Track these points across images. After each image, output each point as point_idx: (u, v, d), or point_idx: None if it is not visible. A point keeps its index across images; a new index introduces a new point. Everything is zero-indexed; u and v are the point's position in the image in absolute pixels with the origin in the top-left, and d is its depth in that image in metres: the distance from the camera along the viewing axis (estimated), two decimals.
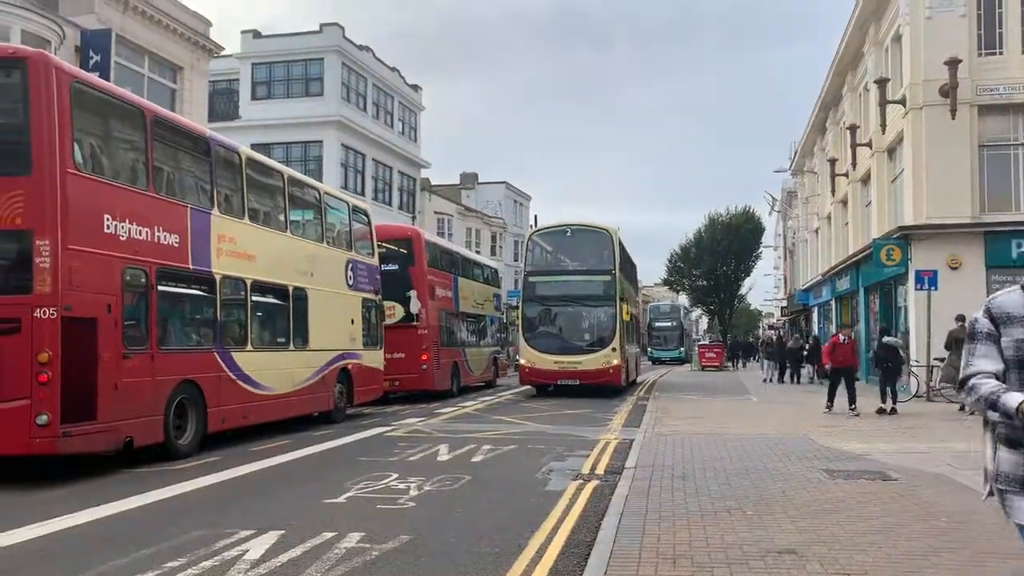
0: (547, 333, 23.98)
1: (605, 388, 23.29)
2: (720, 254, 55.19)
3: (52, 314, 9.28)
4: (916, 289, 20.38)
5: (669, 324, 61.03)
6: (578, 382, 22.92)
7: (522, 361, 23.92)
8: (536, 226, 30.32)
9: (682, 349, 59.68)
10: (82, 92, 10.21)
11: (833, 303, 35.13)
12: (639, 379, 32.10)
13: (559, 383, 23.26)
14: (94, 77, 11.93)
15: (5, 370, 9.21)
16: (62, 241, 9.41)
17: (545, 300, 24.17)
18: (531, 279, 24.54)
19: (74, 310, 9.50)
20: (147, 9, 24.26)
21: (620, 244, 24.92)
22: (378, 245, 19.94)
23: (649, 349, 61.13)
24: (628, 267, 28.40)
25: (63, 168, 9.53)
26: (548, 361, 23.24)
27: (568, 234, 25.13)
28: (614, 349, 23.19)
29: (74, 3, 22.78)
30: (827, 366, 18.48)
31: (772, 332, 54.95)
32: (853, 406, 16.82)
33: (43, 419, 9.14)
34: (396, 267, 21.99)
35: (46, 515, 7.68)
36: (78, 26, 21.78)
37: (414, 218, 42.69)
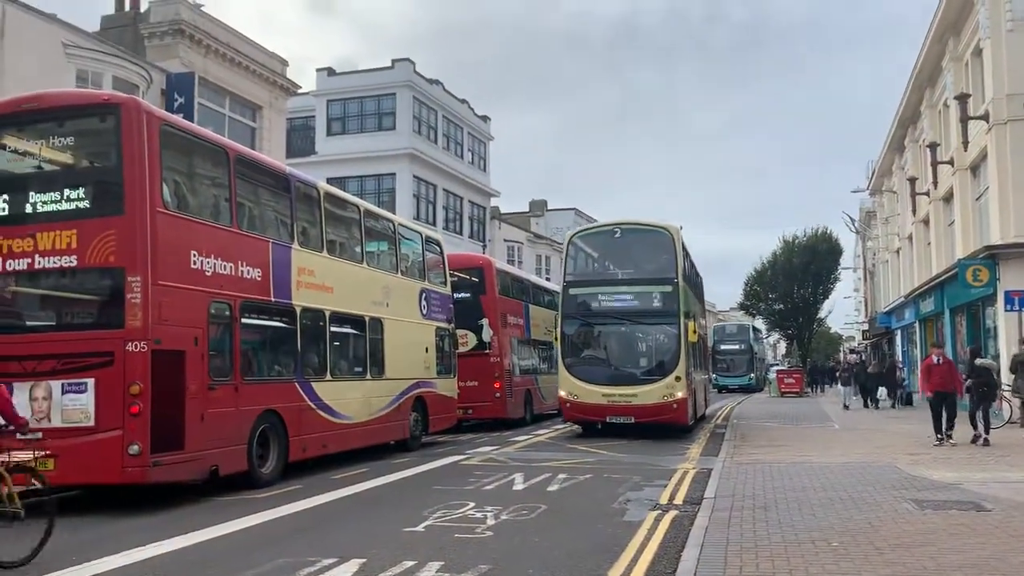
0: (592, 358, 19.78)
1: (667, 427, 18.90)
2: (797, 277, 53.97)
3: (143, 347, 9.67)
4: (1006, 310, 19.60)
5: (737, 347, 54.87)
6: (632, 420, 18.51)
7: (562, 393, 19.44)
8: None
9: (752, 376, 54.06)
10: (170, 134, 10.69)
11: (917, 325, 33.96)
12: (708, 411, 27.99)
13: (608, 420, 18.94)
14: (181, 119, 12.50)
15: (100, 401, 9.62)
16: (152, 277, 9.82)
17: (590, 316, 19.88)
18: (572, 291, 19.93)
19: (163, 343, 9.88)
20: (228, 52, 25.27)
21: (683, 247, 20.27)
22: (450, 274, 20.18)
23: (713, 376, 54.57)
24: (693, 276, 23.62)
25: (153, 208, 9.97)
26: (594, 393, 18.86)
27: (617, 235, 20.29)
28: (678, 378, 18.52)
29: (160, 49, 23.90)
30: (926, 394, 16.61)
31: (854, 356, 53.44)
32: (949, 433, 15.66)
33: (135, 449, 9.50)
34: (468, 295, 22.18)
35: (139, 542, 7.96)
36: (164, 70, 22.81)
37: (485, 246, 43.03)
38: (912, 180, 31.95)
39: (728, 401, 38.78)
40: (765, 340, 76.10)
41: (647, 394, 18.53)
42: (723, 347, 55.26)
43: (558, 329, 19.87)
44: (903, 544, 7.07)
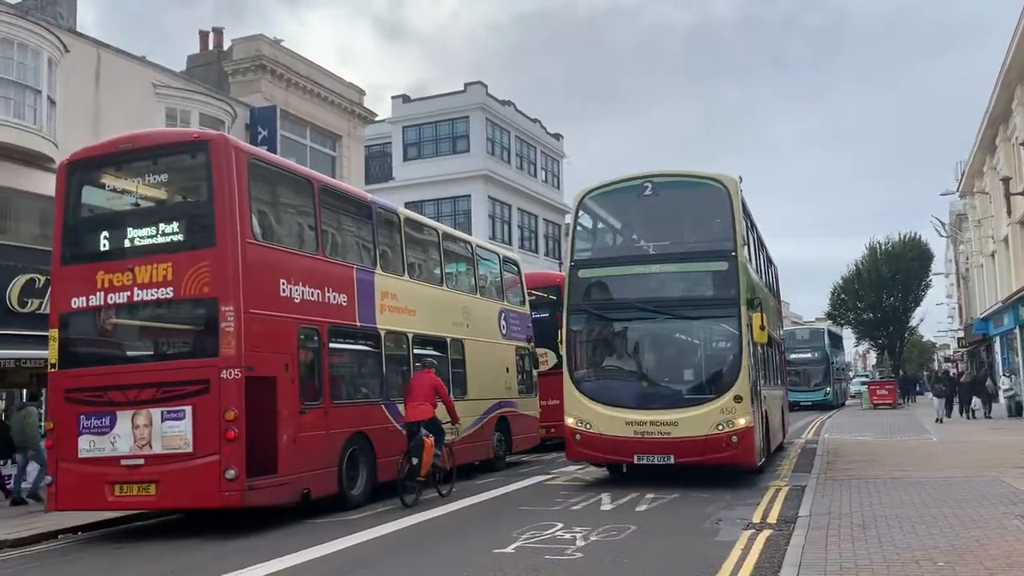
0: (612, 370, 13.95)
1: (723, 472, 13.39)
2: (884, 284, 52.26)
3: (237, 375, 9.97)
4: None
5: (809, 355, 45.51)
6: (671, 459, 12.74)
7: (568, 421, 13.50)
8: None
9: (828, 389, 44.82)
10: (257, 167, 11.06)
11: (1017, 331, 32.45)
12: (787, 440, 21.10)
13: (637, 461, 13.00)
14: (267, 153, 12.94)
15: (198, 428, 9.95)
16: (244, 306, 10.14)
17: (608, 309, 13.98)
18: (582, 273, 14.06)
19: (256, 370, 10.18)
20: (307, 84, 26.03)
21: (745, 208, 14.28)
22: (528, 293, 20.22)
23: None
24: (759, 251, 16.87)
25: (243, 239, 10.31)
26: (615, 421, 13.03)
27: (648, 191, 13.92)
28: (739, 398, 12.64)
29: (243, 85, 24.77)
30: None
31: (949, 365, 51.42)
32: None
33: (231, 473, 9.78)
34: (547, 314, 22.07)
35: (240, 564, 8.19)
36: (247, 105, 23.63)
37: (561, 264, 43.04)
38: (1006, 180, 30.62)
39: (808, 417, 35.22)
40: (847, 347, 72.68)
41: (693, 422, 12.66)
42: (793, 356, 46.73)
43: (563, 329, 13.89)
44: (1015, 564, 6.73)
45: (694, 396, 13.11)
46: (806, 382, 44.57)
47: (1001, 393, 29.66)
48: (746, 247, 13.83)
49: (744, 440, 12.66)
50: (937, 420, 28.12)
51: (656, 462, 12.85)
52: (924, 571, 6.63)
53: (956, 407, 30.62)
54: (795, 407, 41.35)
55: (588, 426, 13.28)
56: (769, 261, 19.68)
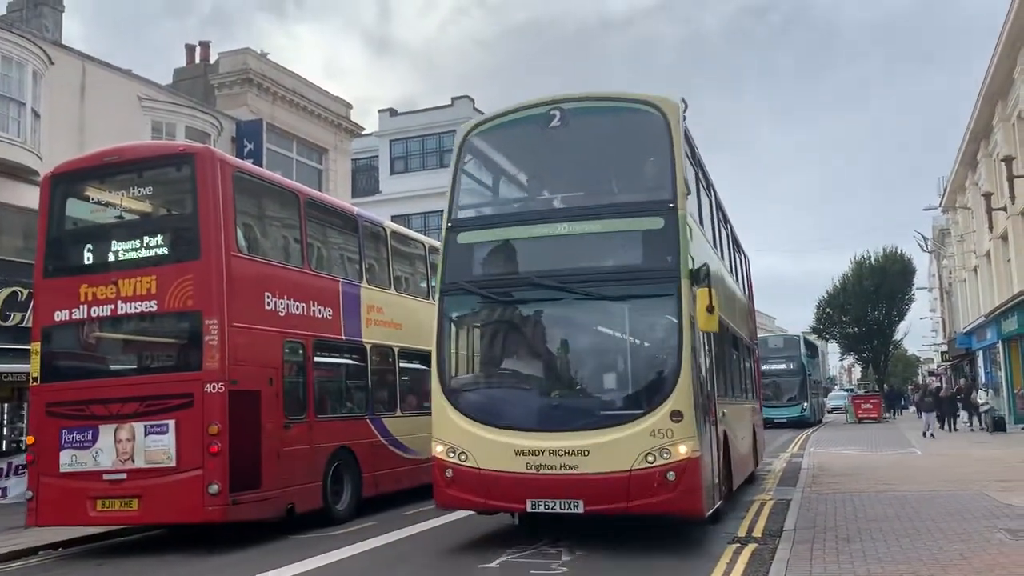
0: (500, 375, 9.98)
1: (656, 520, 9.64)
2: (869, 298, 52.61)
3: (220, 388, 9.91)
4: None
5: (784, 366, 40.13)
6: (580, 507, 8.84)
7: (436, 450, 9.52)
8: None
9: (805, 404, 39.93)
10: (243, 180, 11.04)
11: (1000, 346, 32.70)
12: (762, 468, 17.48)
13: (532, 509, 9.04)
14: (252, 166, 12.92)
15: (181, 442, 9.88)
16: (228, 319, 10.08)
17: (496, 288, 9.89)
18: (463, 238, 10.14)
19: (240, 384, 10.12)
20: (293, 98, 26.04)
21: (692, 147, 10.69)
22: None
23: None
24: (711, 204, 12.68)
25: (228, 252, 10.27)
26: (500, 451, 9.11)
27: (557, 122, 10.01)
28: (677, 415, 8.73)
29: (229, 98, 24.76)
30: None
31: (932, 379, 51.72)
32: None
33: (214, 488, 9.70)
34: None
35: None
36: (233, 118, 23.62)
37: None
38: (987, 195, 30.96)
39: (785, 434, 32.03)
40: (832, 361, 71.40)
41: (611, 451, 8.71)
42: (764, 367, 38.49)
43: (437, 318, 9.81)
44: None
45: (613, 412, 8.98)
46: (780, 396, 39.45)
47: (980, 409, 29.74)
48: (693, 200, 10.20)
49: (686, 477, 8.53)
50: (925, 434, 27.31)
51: (558, 510, 8.79)
52: None
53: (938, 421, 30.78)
54: (767, 424, 33.18)
55: (463, 457, 9.17)
56: (736, 245, 15.93)
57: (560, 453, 8.83)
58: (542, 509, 8.94)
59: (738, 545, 9.17)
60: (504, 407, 9.48)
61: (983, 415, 28.12)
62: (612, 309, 9.59)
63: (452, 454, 9.34)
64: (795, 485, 14.02)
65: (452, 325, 9.95)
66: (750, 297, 18.00)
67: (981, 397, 29.23)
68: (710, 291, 8.93)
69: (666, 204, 9.32)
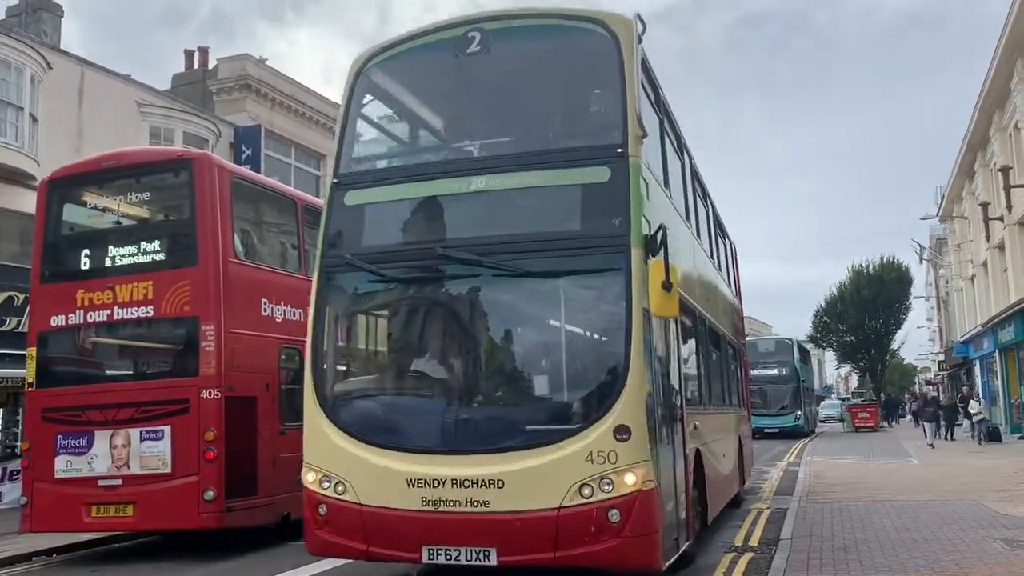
0: (392, 379, 7.78)
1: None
2: (867, 307, 52.68)
3: (216, 394, 9.88)
4: None
5: (775, 371, 36.80)
6: (492, 557, 6.48)
7: (307, 479, 7.26)
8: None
9: (799, 413, 36.83)
10: (240, 186, 11.04)
11: (997, 355, 32.76)
12: (752, 484, 15.84)
13: (429, 560, 6.64)
14: (251, 172, 12.93)
15: (176, 448, 9.85)
16: (224, 325, 10.07)
17: (390, 263, 7.45)
18: (351, 198, 7.80)
19: (236, 390, 10.09)
20: (291, 104, 26.08)
21: (647, 74, 7.89)
22: None
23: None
24: (684, 168, 10.30)
25: (225, 258, 10.26)
26: (388, 480, 6.76)
27: (476, 47, 7.45)
28: (623, 432, 6.34)
29: (228, 104, 24.80)
30: None
31: (929, 388, 51.73)
32: None
33: (210, 495, 9.66)
34: None
35: None
36: (232, 124, 23.64)
37: None
38: (984, 205, 31.08)
39: (777, 446, 29.15)
40: (828, 370, 70.96)
41: (533, 481, 6.48)
42: (755, 373, 35.63)
43: (312, 306, 7.62)
44: None
45: (537, 428, 6.72)
46: (771, 404, 36.25)
47: (973, 419, 29.34)
48: (654, 151, 8.06)
49: (635, 517, 6.31)
50: (930, 446, 26.37)
51: (463, 561, 6.56)
52: None
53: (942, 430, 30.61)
54: (757, 435, 29.40)
55: (340, 488, 6.98)
56: (719, 227, 13.50)
57: (467, 484, 6.47)
58: (442, 560, 6.56)
59: (735, 554, 9.15)
60: (395, 421, 7.21)
61: (976, 425, 27.92)
62: (541, 289, 7.20)
63: (326, 484, 7.01)
64: (791, 494, 14.00)
65: (331, 311, 7.49)
66: (737, 292, 15.72)
67: (973, 407, 28.96)
68: (667, 261, 6.61)
69: (613, 150, 6.93)
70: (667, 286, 6.51)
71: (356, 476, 6.87)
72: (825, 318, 56.07)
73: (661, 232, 6.74)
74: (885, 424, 45.37)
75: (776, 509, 12.60)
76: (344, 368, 7.82)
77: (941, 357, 55.84)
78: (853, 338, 54.55)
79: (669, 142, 9.09)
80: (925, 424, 29.19)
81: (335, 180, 7.89)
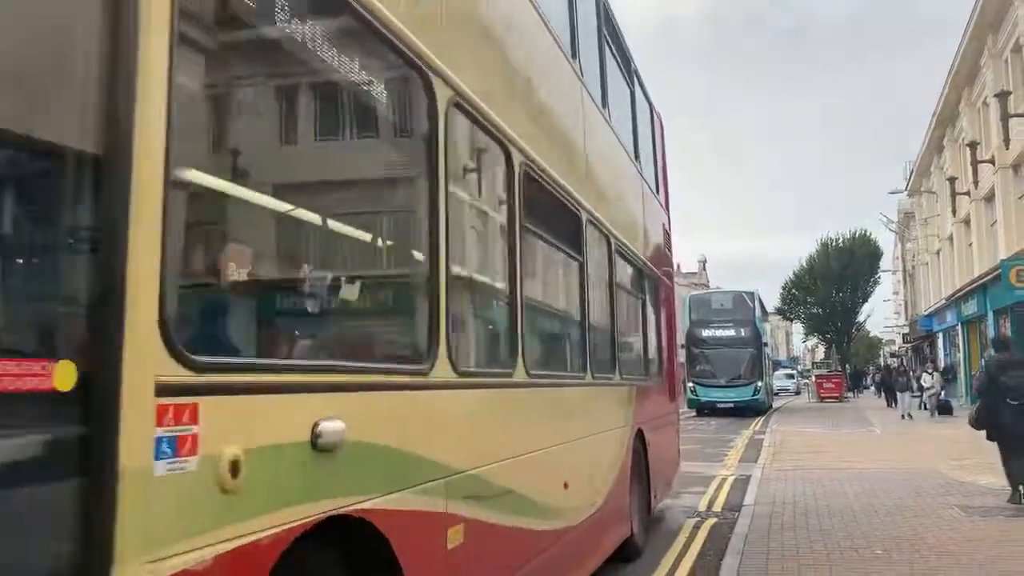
0: None
1: None
2: (835, 280, 53.27)
3: None
4: None
5: (731, 332, 30.79)
6: None
7: None
8: None
9: (759, 385, 30.66)
10: None
11: (959, 328, 33.32)
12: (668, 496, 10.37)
13: None
14: None
15: None
16: None
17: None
18: None
19: None
20: None
21: None
22: None
23: (690, 385, 30.36)
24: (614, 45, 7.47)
25: None
26: None
27: None
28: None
29: None
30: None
31: (894, 360, 52.61)
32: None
33: None
34: None
35: None
36: None
37: None
38: (952, 180, 31.44)
39: (726, 428, 23.46)
40: (795, 342, 72.21)
41: None
42: (705, 334, 31.05)
43: None
44: (950, 552, 6.90)
45: None
46: (724, 373, 30.08)
47: (925, 393, 27.99)
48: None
49: None
50: (905, 415, 25.53)
51: None
52: (863, 559, 6.76)
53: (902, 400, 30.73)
54: (706, 410, 29.71)
55: None
56: (634, 79, 8.83)
57: None
58: None
59: (698, 519, 9.28)
60: None
61: (928, 399, 27.83)
62: None
63: None
64: (756, 461, 14.21)
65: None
66: (658, 188, 10.33)
67: (926, 380, 28.63)
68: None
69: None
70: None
71: None
72: (794, 290, 56.67)
73: None
74: (849, 395, 46.12)
75: (740, 476, 12.73)
76: None
77: (906, 330, 56.80)
78: (820, 311, 55.23)
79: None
80: (899, 394, 27.37)
81: None
